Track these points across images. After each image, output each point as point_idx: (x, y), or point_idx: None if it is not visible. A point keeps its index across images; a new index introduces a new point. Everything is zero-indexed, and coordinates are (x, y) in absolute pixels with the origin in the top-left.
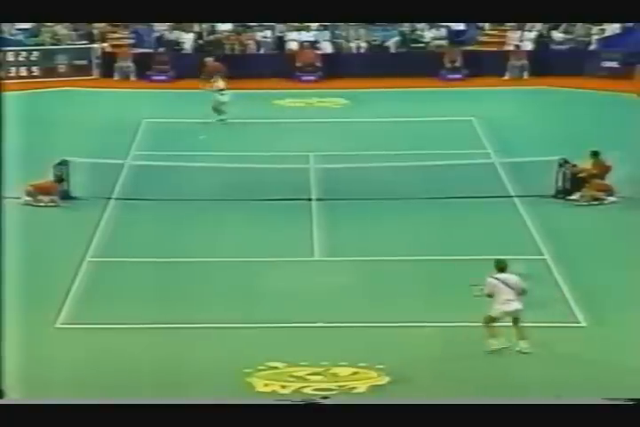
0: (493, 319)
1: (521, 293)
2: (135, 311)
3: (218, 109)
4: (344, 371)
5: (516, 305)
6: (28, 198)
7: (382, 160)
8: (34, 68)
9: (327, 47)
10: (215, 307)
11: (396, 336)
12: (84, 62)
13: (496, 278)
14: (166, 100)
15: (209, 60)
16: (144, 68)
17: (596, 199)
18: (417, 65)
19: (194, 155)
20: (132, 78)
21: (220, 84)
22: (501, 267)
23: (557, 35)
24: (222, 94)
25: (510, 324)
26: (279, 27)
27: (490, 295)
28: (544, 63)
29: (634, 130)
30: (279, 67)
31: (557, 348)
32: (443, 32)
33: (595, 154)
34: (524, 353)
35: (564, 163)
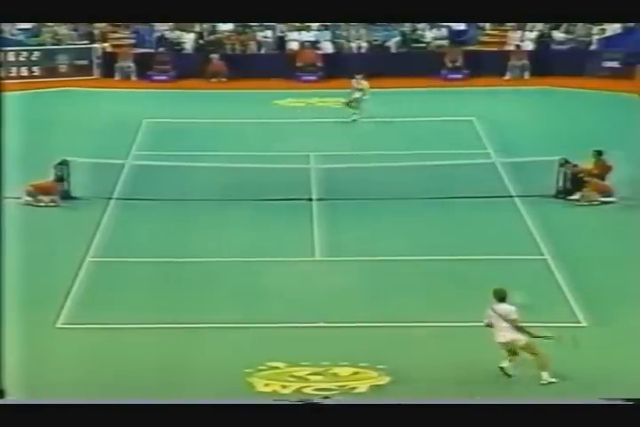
0: (508, 350)
1: (513, 324)
2: (136, 311)
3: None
4: (345, 371)
5: (508, 336)
6: (28, 198)
7: (383, 160)
8: (35, 68)
9: (328, 47)
10: (216, 307)
11: (397, 336)
12: (84, 62)
13: (492, 309)
14: (167, 100)
15: (214, 56)
16: (145, 68)
17: (597, 199)
18: (418, 65)
19: (194, 155)
20: (133, 78)
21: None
22: (501, 297)
23: (558, 35)
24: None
25: None
26: (280, 27)
27: (489, 326)
28: (545, 63)
29: (635, 130)
30: (280, 67)
31: (557, 348)
32: (444, 32)
33: (598, 153)
34: (549, 383)
35: (564, 163)
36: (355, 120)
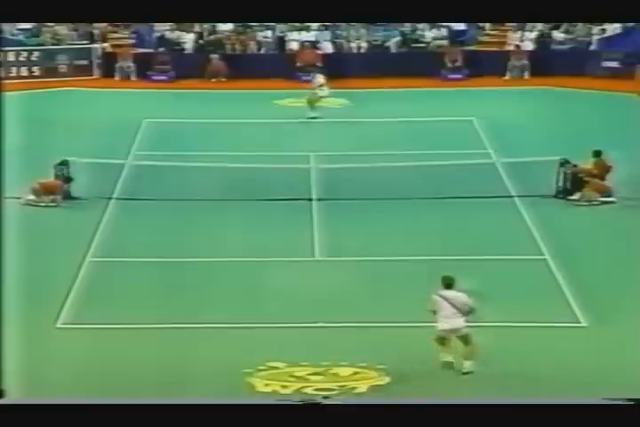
0: (441, 338)
1: (465, 311)
2: (136, 312)
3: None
4: (345, 371)
5: (454, 323)
6: (31, 197)
7: (383, 160)
8: (34, 68)
9: (328, 47)
10: (216, 307)
11: (397, 336)
12: (84, 62)
13: (439, 295)
14: (167, 100)
15: (214, 57)
16: (145, 68)
17: (597, 199)
18: (417, 65)
19: (194, 155)
20: (133, 78)
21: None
22: (448, 283)
23: (558, 35)
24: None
25: None
26: (280, 27)
27: (434, 312)
28: (545, 63)
29: (634, 130)
30: (280, 67)
31: (557, 348)
32: (443, 32)
33: (597, 153)
34: (466, 373)
35: (564, 163)
36: (315, 118)
